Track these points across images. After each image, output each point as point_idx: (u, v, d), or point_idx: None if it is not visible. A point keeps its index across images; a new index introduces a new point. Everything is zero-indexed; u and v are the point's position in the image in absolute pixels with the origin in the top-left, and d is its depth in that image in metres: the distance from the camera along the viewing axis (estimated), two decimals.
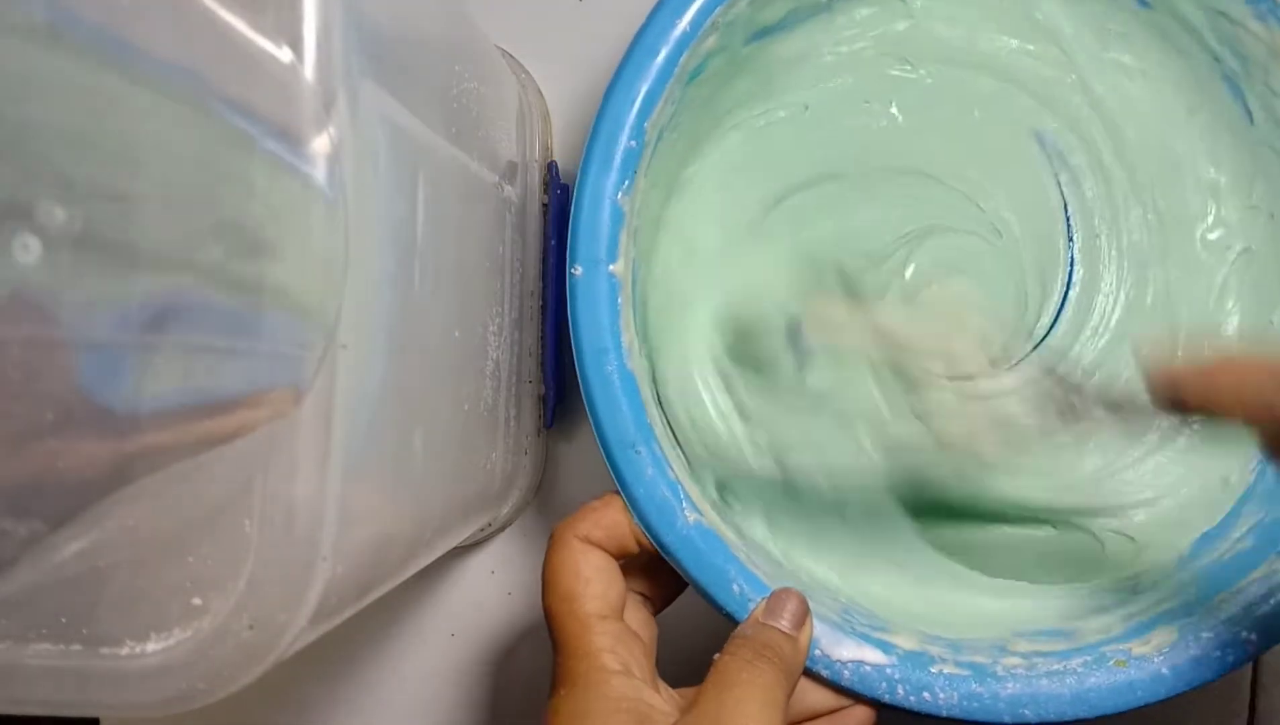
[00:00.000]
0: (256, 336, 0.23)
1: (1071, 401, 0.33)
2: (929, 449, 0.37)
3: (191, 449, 0.22)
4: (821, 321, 0.38)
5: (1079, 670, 0.32)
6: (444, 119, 0.31)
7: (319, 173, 0.23)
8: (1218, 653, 0.32)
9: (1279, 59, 0.35)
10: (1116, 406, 0.31)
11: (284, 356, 0.23)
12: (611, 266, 0.33)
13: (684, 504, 0.33)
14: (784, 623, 0.31)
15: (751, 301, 0.39)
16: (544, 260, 0.43)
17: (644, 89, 0.34)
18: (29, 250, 0.17)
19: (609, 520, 0.32)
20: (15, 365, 0.18)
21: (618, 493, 0.33)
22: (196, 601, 0.23)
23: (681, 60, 0.34)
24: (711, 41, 0.35)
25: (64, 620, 0.24)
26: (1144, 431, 0.38)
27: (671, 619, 0.35)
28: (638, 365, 0.34)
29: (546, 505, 0.47)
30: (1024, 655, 0.33)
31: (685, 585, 0.34)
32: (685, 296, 0.39)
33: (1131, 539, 0.38)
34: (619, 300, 0.33)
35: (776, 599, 0.32)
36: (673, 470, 0.33)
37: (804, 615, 0.32)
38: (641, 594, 0.34)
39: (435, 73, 0.31)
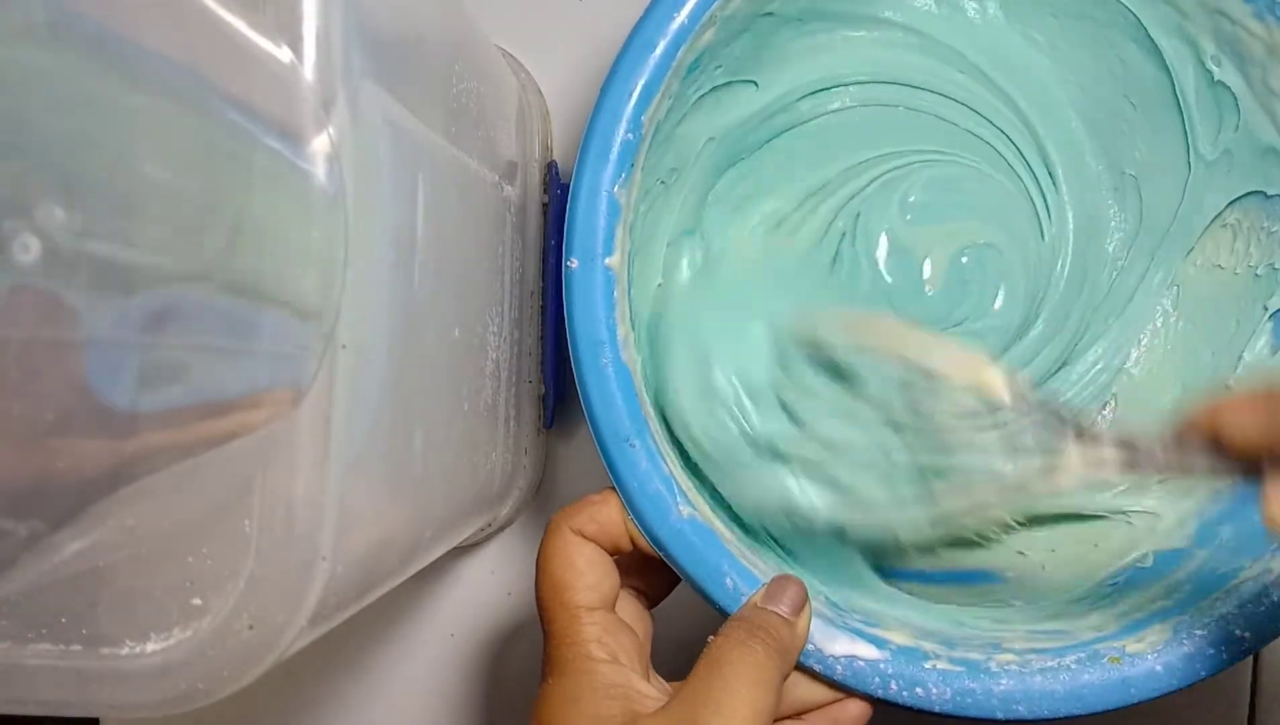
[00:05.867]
0: (256, 336, 0.23)
1: (1081, 436, 0.31)
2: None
3: (191, 449, 0.22)
4: (849, 329, 0.35)
5: (1073, 667, 0.32)
6: (444, 119, 0.31)
7: (319, 172, 0.23)
8: (1211, 650, 0.32)
9: (1277, 57, 0.35)
10: (1129, 446, 0.30)
11: (284, 356, 0.23)
12: (607, 260, 0.33)
13: (678, 498, 0.33)
14: (783, 607, 0.31)
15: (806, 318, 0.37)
16: (544, 260, 0.43)
17: (641, 82, 0.33)
18: (29, 250, 0.17)
19: (604, 516, 0.32)
20: (15, 365, 0.18)
21: (614, 488, 0.33)
22: (196, 601, 0.23)
23: (679, 54, 0.34)
24: (709, 35, 0.35)
25: (64, 620, 0.24)
26: (1152, 478, 0.37)
27: (667, 615, 0.35)
28: (632, 358, 0.34)
29: (546, 505, 0.47)
30: (1018, 652, 0.33)
31: (679, 580, 0.34)
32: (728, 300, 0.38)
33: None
34: (614, 294, 0.33)
35: (776, 584, 0.32)
36: (667, 464, 0.33)
37: (803, 601, 0.31)
38: (636, 588, 0.34)
39: (435, 73, 0.31)
